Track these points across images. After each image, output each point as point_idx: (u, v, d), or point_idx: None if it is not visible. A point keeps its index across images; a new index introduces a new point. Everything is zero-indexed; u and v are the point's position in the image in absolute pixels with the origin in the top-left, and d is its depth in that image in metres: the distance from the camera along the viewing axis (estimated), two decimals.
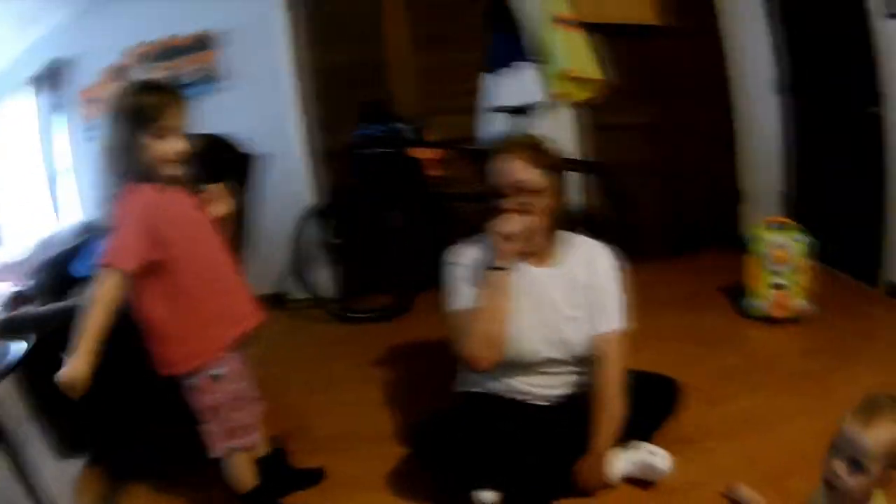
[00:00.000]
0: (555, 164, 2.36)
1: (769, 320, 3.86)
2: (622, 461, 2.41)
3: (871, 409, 1.62)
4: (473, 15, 4.31)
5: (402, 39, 4.43)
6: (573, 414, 2.35)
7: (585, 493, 2.33)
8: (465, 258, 2.40)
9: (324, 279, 4.58)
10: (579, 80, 4.13)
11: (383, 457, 2.71)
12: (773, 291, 3.85)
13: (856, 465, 1.59)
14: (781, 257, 3.85)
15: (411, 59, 4.45)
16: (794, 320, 3.84)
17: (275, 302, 4.44)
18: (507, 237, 2.25)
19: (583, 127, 4.33)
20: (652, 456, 2.40)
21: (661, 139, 4.66)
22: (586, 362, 2.38)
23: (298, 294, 4.54)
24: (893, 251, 4.06)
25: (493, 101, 4.25)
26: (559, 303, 2.38)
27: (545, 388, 2.42)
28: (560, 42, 4.09)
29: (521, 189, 2.27)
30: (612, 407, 2.29)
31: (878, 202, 4.05)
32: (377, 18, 4.40)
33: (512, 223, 2.25)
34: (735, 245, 4.24)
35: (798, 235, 3.86)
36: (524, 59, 4.18)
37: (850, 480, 1.59)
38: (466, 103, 4.38)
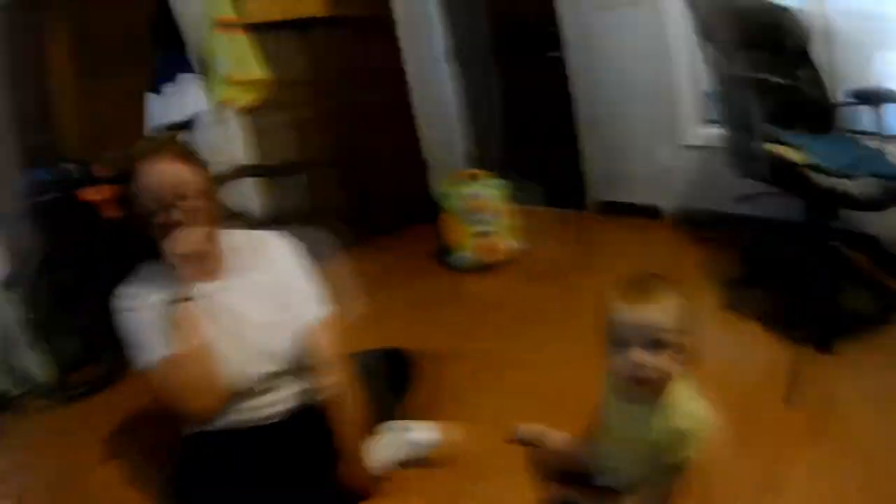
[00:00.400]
0: (204, 161, 2.09)
1: (483, 268, 3.98)
2: (384, 449, 2.25)
3: (642, 287, 1.68)
4: (140, 34, 4.00)
5: (66, 72, 4.00)
6: (314, 420, 2.12)
7: (360, 497, 2.13)
8: (139, 299, 2.02)
9: (36, 362, 4.01)
10: (244, 84, 3.99)
11: None
12: (479, 240, 3.97)
13: (654, 344, 1.62)
14: (479, 206, 3.98)
15: (76, 91, 4.03)
16: (508, 262, 4.02)
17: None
18: (186, 257, 1.96)
19: (255, 130, 4.19)
20: (413, 432, 2.29)
21: (340, 129, 4.64)
22: (301, 364, 2.17)
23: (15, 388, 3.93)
24: (592, 175, 4.66)
25: (157, 120, 3.95)
26: (249, 315, 2.09)
27: (272, 405, 2.16)
28: (223, 47, 3.91)
29: (183, 194, 1.93)
30: (346, 399, 2.09)
31: (570, 136, 4.59)
32: (39, 54, 3.94)
33: (187, 239, 1.94)
34: (434, 213, 4.31)
35: (490, 181, 4.04)
36: (188, 72, 3.95)
37: (657, 361, 1.62)
38: (139, 130, 4.08)
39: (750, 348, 2.75)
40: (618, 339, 1.67)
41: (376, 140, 4.79)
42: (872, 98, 3.00)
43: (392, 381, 2.43)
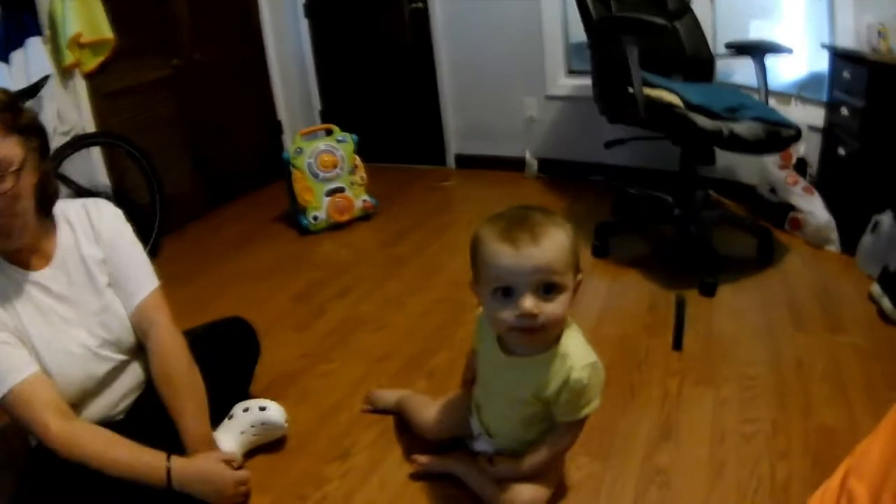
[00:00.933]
0: (32, 126, 1.68)
1: (335, 227, 3.74)
2: (231, 436, 1.98)
3: (525, 224, 1.40)
4: None
5: None
6: (157, 408, 1.82)
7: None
8: None
9: None
10: (92, 45, 3.53)
11: None
12: (330, 199, 3.73)
13: (547, 289, 1.38)
14: (328, 162, 3.72)
15: None
16: (362, 218, 3.79)
17: None
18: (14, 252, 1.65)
19: (98, 96, 3.72)
20: (263, 412, 2.01)
21: (192, 90, 4.19)
22: (142, 348, 1.88)
23: None
24: (454, 129, 4.48)
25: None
26: (87, 298, 1.79)
27: (115, 403, 1.86)
28: (69, 6, 3.44)
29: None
30: (186, 383, 1.81)
31: (431, 90, 4.41)
32: None
33: (9, 235, 1.60)
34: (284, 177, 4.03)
35: (341, 136, 3.79)
36: (34, 35, 3.45)
37: (551, 307, 1.39)
38: None
39: (630, 295, 2.65)
40: (499, 288, 1.41)
41: (229, 99, 4.40)
42: (752, 49, 2.97)
43: (237, 356, 2.13)
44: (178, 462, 1.68)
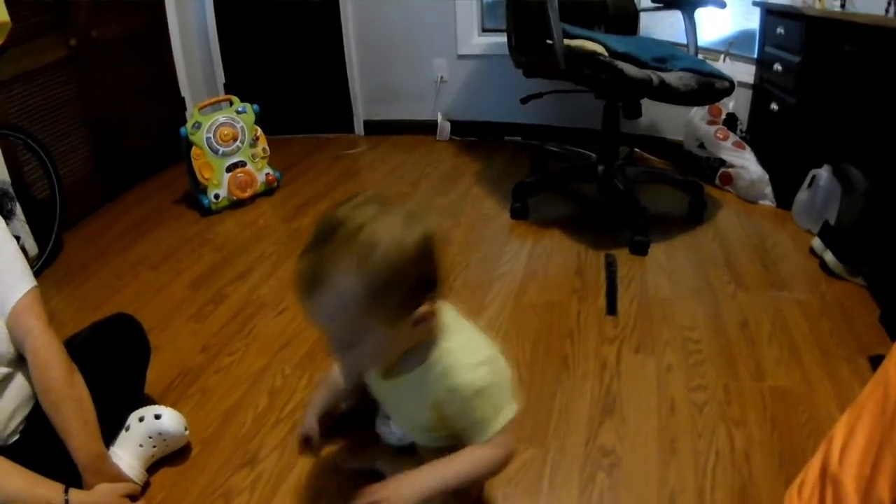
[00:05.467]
0: None
1: (238, 204, 3.47)
2: (128, 451, 1.76)
3: (306, 264, 1.09)
4: None
5: None
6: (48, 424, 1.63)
7: None
8: None
9: None
10: None
11: None
12: (230, 174, 3.46)
13: (340, 345, 1.16)
14: (228, 135, 3.44)
15: None
16: (265, 193, 3.54)
17: None
18: None
19: None
20: (158, 421, 1.79)
21: (86, 72, 3.85)
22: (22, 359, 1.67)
23: None
24: (362, 94, 4.24)
25: None
26: None
27: (6, 420, 1.65)
28: None
29: None
30: (67, 393, 1.60)
31: (338, 54, 4.17)
32: None
33: None
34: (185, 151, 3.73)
35: (241, 107, 3.52)
36: None
37: (353, 358, 1.20)
38: None
39: (555, 259, 2.45)
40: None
41: (131, 78, 4.03)
42: (682, 2, 2.84)
43: (124, 358, 1.88)
44: (76, 497, 1.49)
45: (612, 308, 2.03)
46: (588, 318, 2.03)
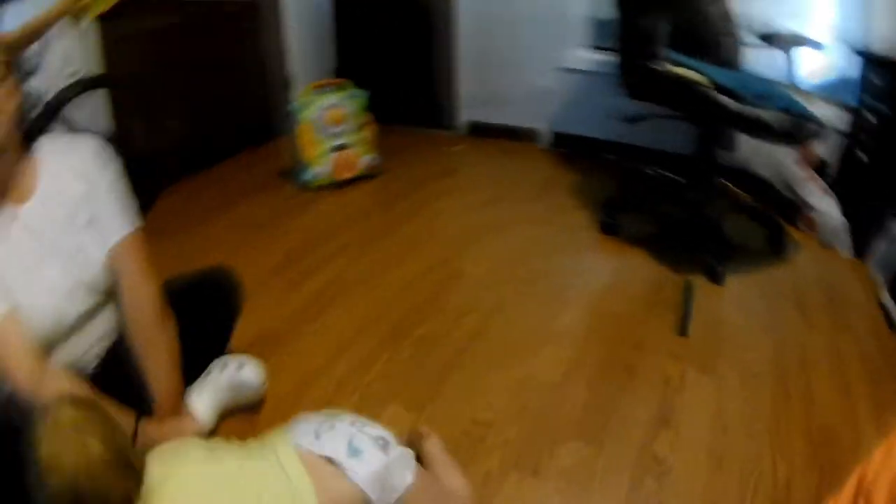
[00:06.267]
0: (15, 45, 1.63)
1: (337, 185, 3.62)
2: (206, 395, 1.86)
3: None
4: None
5: None
6: (128, 357, 1.72)
7: None
8: None
9: None
10: None
11: None
12: (335, 154, 3.61)
13: None
14: (337, 117, 3.60)
15: None
16: (365, 177, 3.67)
17: None
18: None
19: (106, 39, 3.58)
20: (240, 371, 1.91)
21: (197, 39, 4.04)
22: (115, 293, 1.76)
23: None
24: (464, 95, 4.32)
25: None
26: (65, 236, 1.66)
27: (85, 350, 1.75)
28: None
29: None
30: (156, 334, 1.71)
31: (448, 53, 4.24)
32: None
33: None
34: (289, 131, 3.90)
35: (353, 92, 3.66)
36: None
37: None
38: None
39: (636, 275, 2.53)
40: None
41: (241, 50, 4.24)
42: (783, 41, 2.86)
43: (218, 309, 1.99)
44: (146, 428, 1.59)
45: (683, 329, 2.10)
46: (659, 335, 2.10)
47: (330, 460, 1.35)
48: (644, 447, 1.65)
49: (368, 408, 1.88)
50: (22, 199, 1.60)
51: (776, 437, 1.67)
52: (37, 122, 1.66)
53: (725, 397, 1.81)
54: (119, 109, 3.42)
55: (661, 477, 1.56)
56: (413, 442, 1.65)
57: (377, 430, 1.46)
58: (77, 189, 1.67)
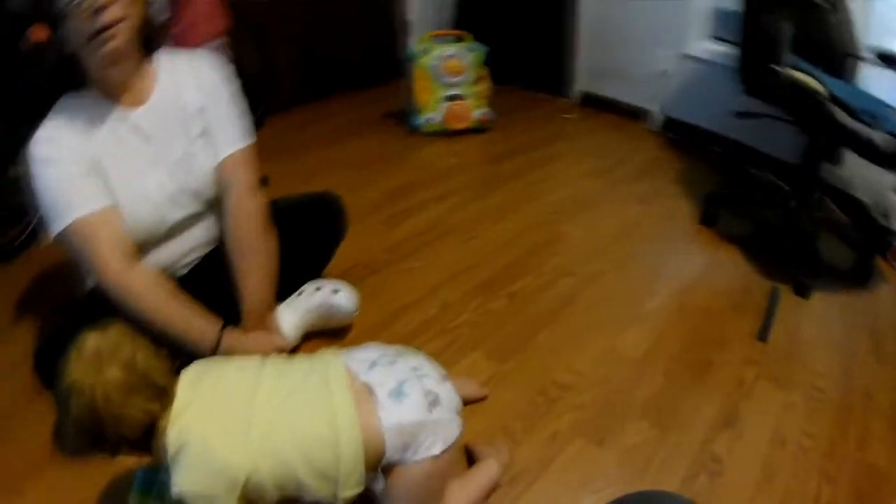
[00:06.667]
0: None
1: (447, 133, 3.63)
2: (295, 312, 1.88)
3: None
4: None
5: None
6: (222, 267, 1.75)
7: None
8: (58, 146, 1.55)
9: None
10: None
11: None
12: (448, 104, 3.61)
13: None
14: (454, 67, 3.58)
15: None
16: (476, 130, 3.67)
17: None
18: (113, 60, 1.51)
19: None
20: (333, 294, 1.91)
21: None
22: (219, 204, 1.79)
23: None
24: (582, 64, 4.25)
25: None
26: (175, 143, 1.70)
27: (181, 255, 1.80)
28: None
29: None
30: (258, 246, 1.72)
31: (569, 20, 4.14)
32: None
33: (113, 38, 1.47)
34: (403, 74, 3.89)
35: (472, 45, 3.63)
36: None
37: None
38: None
39: (726, 272, 2.48)
40: None
41: None
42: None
43: (321, 232, 2.02)
44: (230, 336, 1.61)
45: (763, 335, 2.07)
46: (740, 336, 2.08)
47: (371, 392, 1.26)
48: (705, 443, 1.65)
49: (450, 352, 1.93)
50: (136, 104, 1.63)
51: (827, 464, 1.64)
52: (157, 35, 1.70)
53: (789, 412, 1.79)
54: (237, 33, 3.50)
55: (714, 476, 1.56)
56: (482, 448, 1.61)
57: (437, 385, 1.32)
58: (194, 101, 1.71)
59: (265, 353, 1.50)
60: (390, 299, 2.16)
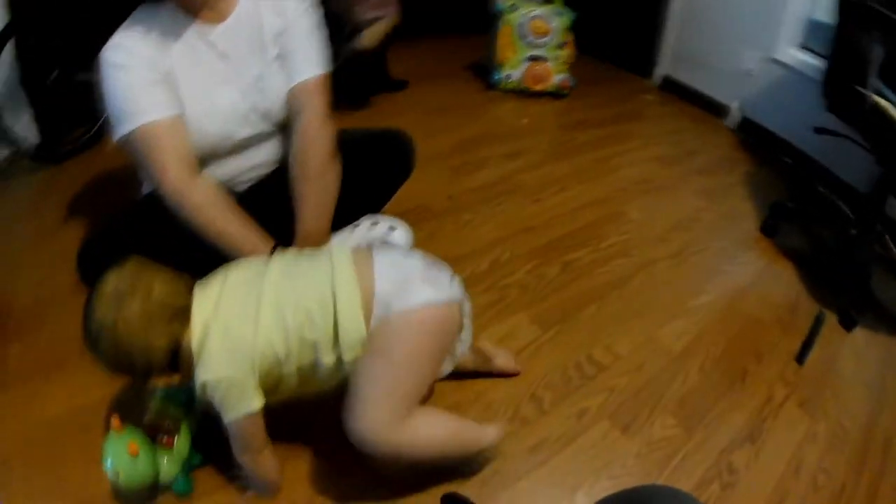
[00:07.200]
0: None
1: (524, 93, 3.51)
2: (348, 244, 1.83)
3: None
4: None
5: None
6: (282, 189, 1.70)
7: None
8: (131, 53, 1.51)
9: (24, 124, 3.33)
10: None
11: None
12: (529, 63, 3.48)
13: None
14: (540, 28, 3.45)
15: None
16: (553, 94, 3.54)
17: None
18: None
19: None
20: (390, 231, 1.86)
21: None
22: (287, 126, 1.74)
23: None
24: (668, 48, 4.05)
25: None
26: (250, 63, 1.66)
27: (243, 171, 1.76)
28: None
29: None
30: (322, 172, 1.66)
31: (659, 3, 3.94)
32: None
33: None
34: (488, 29, 3.75)
35: (560, 9, 3.48)
36: None
37: None
38: None
39: (779, 286, 2.36)
40: None
41: None
42: None
43: (386, 168, 1.95)
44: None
45: (801, 358, 1.98)
46: (778, 353, 1.99)
47: (369, 250, 1.30)
48: (724, 452, 1.58)
49: (496, 309, 1.88)
50: (215, 21, 1.59)
51: (836, 502, 1.56)
52: None
53: (810, 442, 1.71)
54: None
55: (726, 487, 1.50)
56: (491, 348, 1.66)
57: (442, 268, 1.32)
58: (274, 24, 1.66)
59: None
60: (444, 247, 2.10)
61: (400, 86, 3.46)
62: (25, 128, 3.12)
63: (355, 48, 3.17)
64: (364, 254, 1.30)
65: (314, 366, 1.21)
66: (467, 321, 1.36)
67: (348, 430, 1.20)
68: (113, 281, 1.18)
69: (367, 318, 1.20)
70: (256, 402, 1.18)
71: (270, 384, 1.20)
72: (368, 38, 3.15)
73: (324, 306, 1.19)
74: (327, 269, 1.25)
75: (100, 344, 1.16)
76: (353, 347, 1.19)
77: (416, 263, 1.30)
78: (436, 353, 1.29)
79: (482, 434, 1.40)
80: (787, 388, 1.86)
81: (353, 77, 3.12)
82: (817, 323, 2.13)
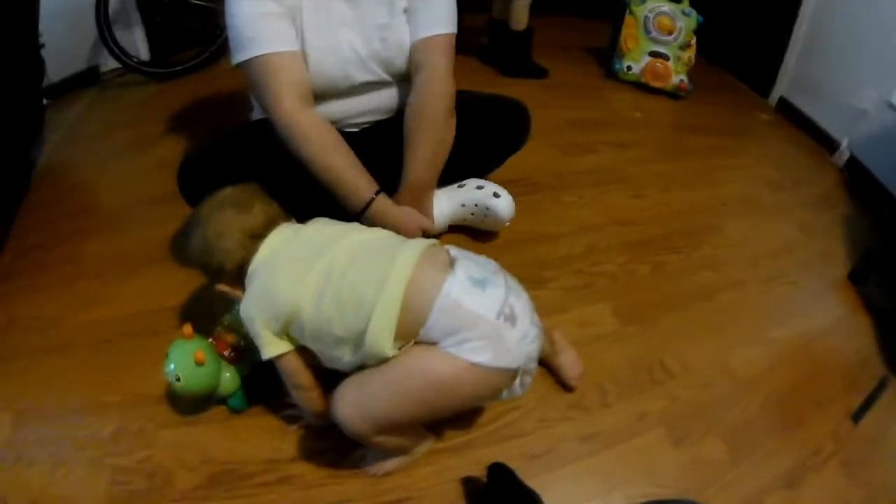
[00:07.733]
0: None
1: (641, 87, 3.39)
2: (452, 201, 1.82)
3: None
4: None
5: None
6: (392, 138, 1.69)
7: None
8: None
9: (136, 40, 3.34)
10: None
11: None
12: (650, 59, 3.36)
13: None
14: (666, 25, 3.32)
15: None
16: (670, 94, 3.40)
17: (88, 78, 3.18)
18: None
19: None
20: (494, 198, 1.82)
21: None
22: (407, 77, 1.71)
23: (112, 64, 3.24)
24: (788, 70, 3.79)
25: None
26: (378, 11, 1.63)
27: (356, 114, 1.74)
28: None
29: None
30: (437, 127, 1.64)
31: (790, 17, 3.67)
32: None
33: None
34: (613, 16, 3.63)
35: (688, 10, 3.32)
36: None
37: None
38: None
39: (854, 338, 2.25)
40: None
41: None
42: None
43: (501, 135, 1.92)
44: (382, 201, 1.56)
45: (857, 417, 1.90)
46: (837, 406, 1.91)
47: (452, 266, 1.19)
48: (762, 492, 1.54)
49: (581, 293, 1.86)
50: None
51: None
52: None
53: (843, 495, 1.65)
54: None
55: None
56: (561, 342, 1.62)
57: (523, 312, 1.17)
58: None
59: (409, 230, 1.53)
60: (542, 223, 2.07)
61: (541, 73, 3.37)
62: (136, 44, 3.20)
63: (511, 29, 3.10)
64: (440, 266, 1.19)
65: (331, 353, 1.21)
66: (528, 377, 1.27)
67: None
68: (228, 191, 1.30)
69: (406, 337, 1.14)
70: (282, 347, 1.20)
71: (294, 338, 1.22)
72: (517, 17, 3.07)
73: (360, 310, 1.13)
74: (383, 270, 1.15)
75: (191, 233, 1.27)
76: (371, 358, 1.16)
77: (492, 304, 1.12)
78: (449, 409, 1.24)
79: (419, 447, 1.41)
80: (836, 444, 1.79)
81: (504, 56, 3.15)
82: (880, 386, 2.04)
